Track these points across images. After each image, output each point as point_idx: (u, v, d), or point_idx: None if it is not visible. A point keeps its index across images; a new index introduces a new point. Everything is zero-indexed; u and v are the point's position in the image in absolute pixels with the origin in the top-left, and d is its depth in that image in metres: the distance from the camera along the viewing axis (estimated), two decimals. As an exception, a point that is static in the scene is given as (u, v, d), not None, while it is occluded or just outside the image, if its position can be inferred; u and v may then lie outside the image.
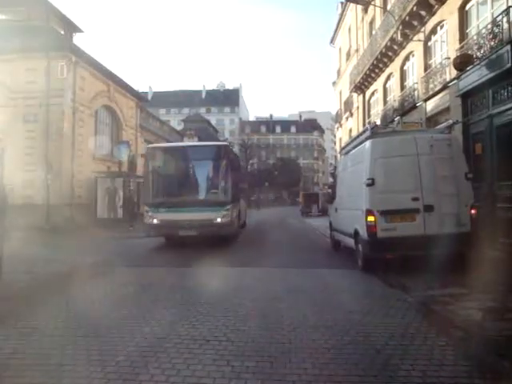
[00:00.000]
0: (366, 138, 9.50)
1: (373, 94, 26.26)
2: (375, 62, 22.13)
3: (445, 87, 14.48)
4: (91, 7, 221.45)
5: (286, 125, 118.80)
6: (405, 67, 19.76)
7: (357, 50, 29.48)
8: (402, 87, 19.94)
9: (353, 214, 10.09)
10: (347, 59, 33.47)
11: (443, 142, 8.88)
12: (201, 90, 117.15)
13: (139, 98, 29.63)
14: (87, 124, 22.09)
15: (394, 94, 21.17)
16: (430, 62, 16.65)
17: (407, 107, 18.30)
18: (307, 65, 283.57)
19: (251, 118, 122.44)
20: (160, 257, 12.67)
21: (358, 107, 29.65)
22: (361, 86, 26.98)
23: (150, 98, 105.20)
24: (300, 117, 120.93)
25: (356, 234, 9.78)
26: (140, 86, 33.05)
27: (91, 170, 22.10)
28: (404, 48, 18.87)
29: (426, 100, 16.31)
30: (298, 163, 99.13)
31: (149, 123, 35.54)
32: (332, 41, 40.65)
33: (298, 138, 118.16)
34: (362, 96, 28.10)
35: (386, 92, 23.20)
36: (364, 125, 27.56)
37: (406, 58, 19.25)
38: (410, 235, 8.58)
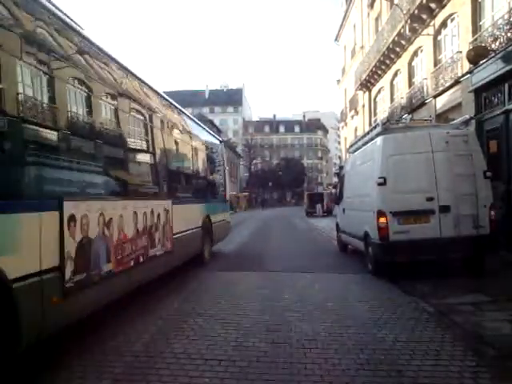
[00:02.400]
0: (377, 135, 8.93)
1: (379, 91, 25.67)
2: (382, 59, 21.55)
3: (456, 82, 13.90)
4: (92, 6, 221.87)
5: (289, 124, 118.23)
6: (413, 63, 19.17)
7: (362, 47, 28.92)
8: (410, 84, 19.35)
9: (362, 215, 9.54)
10: (352, 57, 32.91)
11: (460, 138, 8.30)
12: (204, 90, 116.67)
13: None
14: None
15: (402, 91, 20.59)
16: (439, 57, 16.06)
17: (416, 104, 17.72)
18: (311, 65, 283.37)
19: (254, 119, 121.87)
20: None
21: (363, 105, 29.07)
22: (367, 84, 26.40)
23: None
24: (304, 116, 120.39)
25: (366, 237, 9.23)
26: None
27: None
28: (412, 43, 18.29)
29: (435, 96, 15.73)
30: (302, 163, 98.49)
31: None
32: (336, 38, 40.10)
33: (301, 138, 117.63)
34: (367, 94, 27.53)
35: (392, 89, 22.61)
36: (370, 123, 27.01)
37: (415, 54, 18.66)
38: (425, 238, 8.02)
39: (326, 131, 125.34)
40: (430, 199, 8.15)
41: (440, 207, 8.10)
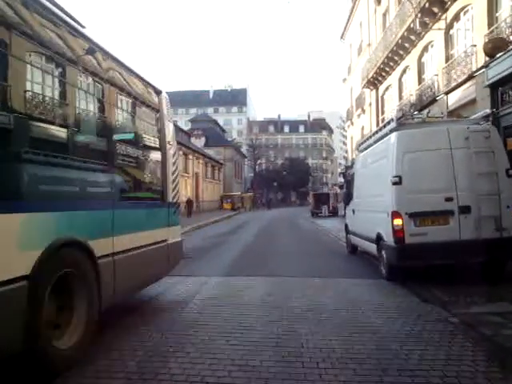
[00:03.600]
0: (391, 131, 8.37)
1: (387, 89, 25.08)
2: (390, 55, 20.97)
3: (470, 77, 13.33)
4: (96, 7, 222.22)
5: (294, 124, 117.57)
6: (423, 59, 18.59)
7: (369, 45, 28.34)
8: (420, 80, 18.78)
9: (375, 216, 8.99)
10: (358, 54, 32.32)
11: (481, 134, 7.73)
12: (208, 90, 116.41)
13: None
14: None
15: (411, 88, 20.01)
16: (451, 52, 15.50)
17: (426, 101, 17.14)
18: (315, 64, 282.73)
19: (259, 119, 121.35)
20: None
21: (370, 103, 28.49)
22: (374, 82, 25.83)
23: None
24: (308, 116, 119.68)
25: (379, 239, 8.68)
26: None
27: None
28: (422, 38, 17.71)
29: (447, 93, 15.16)
30: (307, 163, 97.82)
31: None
32: (342, 36, 39.51)
33: (306, 138, 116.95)
34: (375, 92, 26.94)
35: (401, 86, 22.04)
36: (378, 122, 26.45)
37: (425, 49, 18.08)
38: (443, 241, 7.48)
39: (330, 131, 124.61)
40: (448, 199, 7.60)
41: (460, 208, 7.55)
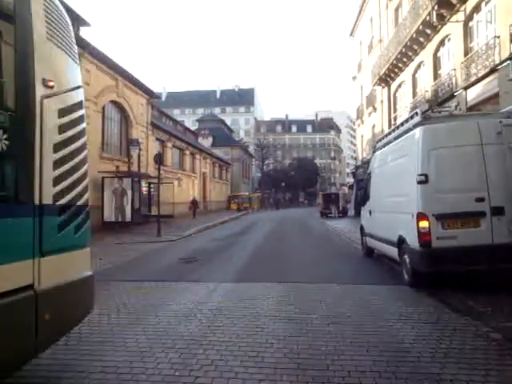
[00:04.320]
0: (415, 126, 7.74)
1: (399, 86, 24.38)
2: (404, 50, 20.28)
3: (492, 71, 12.65)
4: (103, 7, 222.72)
5: (301, 124, 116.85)
6: (439, 53, 17.89)
7: (380, 41, 27.67)
8: (436, 76, 18.08)
9: (397, 218, 8.37)
10: (369, 52, 31.65)
11: (515, 128, 7.09)
12: (215, 90, 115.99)
13: (150, 94, 28.09)
14: (93, 120, 20.61)
15: (426, 84, 19.31)
16: (471, 45, 14.81)
17: (443, 97, 16.45)
18: (323, 64, 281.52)
19: (266, 119, 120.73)
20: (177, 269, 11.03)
21: (382, 101, 27.80)
22: (386, 78, 25.12)
23: (164, 98, 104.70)
24: (316, 116, 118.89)
25: (401, 243, 8.06)
26: (154, 87, 32.10)
27: (98, 170, 20.64)
28: (438, 32, 17.02)
29: (466, 88, 14.47)
30: (315, 163, 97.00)
31: (161, 122, 34.19)
32: (351, 33, 38.83)
33: (314, 138, 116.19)
34: (386, 89, 26.25)
35: (415, 83, 21.33)
36: (390, 120, 25.79)
37: (441, 43, 17.39)
38: (474, 245, 6.85)
39: (338, 131, 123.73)
40: (479, 200, 6.96)
41: (492, 209, 6.92)
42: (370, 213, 10.96)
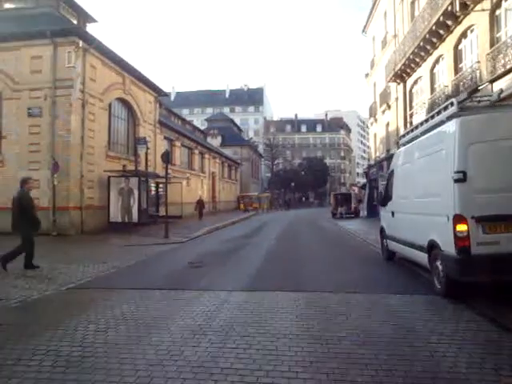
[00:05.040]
0: (449, 117, 6.90)
1: (415, 82, 23.45)
2: (421, 44, 19.36)
3: (523, 62, 11.75)
4: (112, 7, 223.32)
5: (311, 124, 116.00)
6: (460, 46, 16.97)
7: (395, 36, 26.75)
8: (456, 70, 17.17)
9: (427, 220, 7.54)
10: (383, 47, 30.73)
11: None
12: (224, 90, 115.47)
13: (158, 91, 27.41)
14: (99, 118, 19.99)
15: (445, 79, 18.40)
16: (498, 35, 13.88)
17: (465, 92, 15.49)
18: (332, 64, 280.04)
19: (275, 119, 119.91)
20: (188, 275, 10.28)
21: (396, 98, 26.87)
22: (401, 74, 24.20)
23: (172, 98, 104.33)
24: (326, 115, 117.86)
25: (432, 248, 7.24)
26: (163, 87, 31.64)
27: (104, 169, 20.01)
28: (460, 23, 16.11)
29: (492, 81, 13.56)
30: (325, 163, 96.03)
31: (170, 121, 33.53)
32: (364, 29, 37.91)
33: (324, 138, 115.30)
34: (402, 85, 25.31)
35: (433, 78, 20.40)
36: (405, 117, 24.89)
37: (463, 35, 16.46)
38: (520, 251, 6.02)
39: (348, 130, 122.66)
40: (526, 200, 6.13)
41: (541, 211, 6.09)
42: (393, 214, 10.14)
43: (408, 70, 23.23)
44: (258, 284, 8.19)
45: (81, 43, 17.99)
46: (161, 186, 23.44)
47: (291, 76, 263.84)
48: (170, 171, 27.37)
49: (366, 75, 38.46)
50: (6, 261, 9.38)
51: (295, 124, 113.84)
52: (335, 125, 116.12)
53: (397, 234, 9.83)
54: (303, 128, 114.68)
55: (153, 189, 23.72)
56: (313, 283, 8.22)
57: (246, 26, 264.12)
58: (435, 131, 7.50)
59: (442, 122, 7.26)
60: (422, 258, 7.83)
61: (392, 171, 10.66)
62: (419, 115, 22.44)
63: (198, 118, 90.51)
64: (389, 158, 29.20)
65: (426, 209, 7.61)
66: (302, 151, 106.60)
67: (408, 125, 24.43)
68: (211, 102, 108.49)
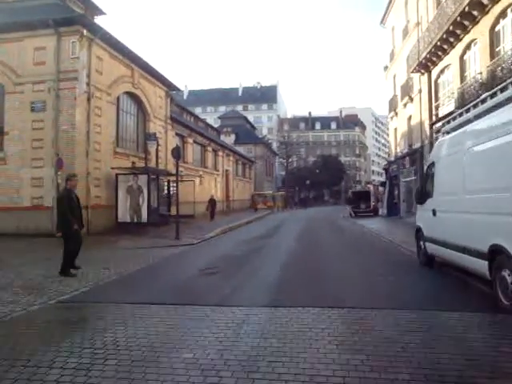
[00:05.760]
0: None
1: (442, 71, 21.92)
2: (451, 28, 17.84)
3: None
4: (125, 6, 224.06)
5: (325, 121, 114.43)
6: (497, 27, 15.45)
7: (418, 24, 25.19)
8: (492, 55, 15.66)
9: (488, 220, 6.18)
10: (404, 38, 29.17)
11: None
12: (237, 88, 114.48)
13: (169, 85, 26.22)
14: (106, 112, 18.88)
15: (478, 66, 16.90)
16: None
17: (504, 78, 14.02)
18: (346, 61, 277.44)
19: (289, 116, 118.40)
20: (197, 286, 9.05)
21: (420, 90, 25.32)
22: (426, 64, 22.67)
23: (185, 96, 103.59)
24: (341, 113, 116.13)
25: (496, 254, 5.90)
26: (175, 84, 30.69)
27: (112, 166, 18.90)
28: (498, 1, 14.62)
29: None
30: (340, 161, 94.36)
31: (182, 118, 32.37)
32: (382, 21, 36.35)
33: (338, 135, 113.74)
34: (426, 76, 23.77)
35: (463, 66, 18.88)
36: (430, 110, 23.38)
37: (502, 15, 14.94)
38: None
39: (363, 127, 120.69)
40: None
41: None
42: (434, 212, 8.76)
43: (434, 59, 21.71)
44: (282, 297, 6.90)
45: (85, 32, 16.88)
46: (173, 184, 22.29)
47: (304, 73, 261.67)
48: (181, 169, 26.32)
49: (385, 68, 36.86)
50: (63, 270, 8.83)
51: (309, 121, 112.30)
52: (350, 122, 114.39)
53: (440, 236, 8.47)
54: (317, 125, 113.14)
55: (164, 187, 22.60)
56: (347, 296, 6.91)
57: (258, 23, 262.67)
58: (499, 112, 6.10)
59: (506, 102, 5.89)
60: (480, 266, 6.49)
61: (432, 164, 9.27)
62: (446, 107, 20.96)
63: (211, 117, 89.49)
64: (412, 153, 27.72)
65: (487, 207, 6.25)
66: (316, 149, 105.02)
67: (433, 117, 22.93)
68: (224, 100, 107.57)
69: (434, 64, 22.20)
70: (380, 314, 5.73)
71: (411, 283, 8.13)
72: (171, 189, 23.01)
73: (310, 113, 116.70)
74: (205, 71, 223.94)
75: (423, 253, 9.77)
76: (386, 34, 36.70)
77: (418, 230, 10.18)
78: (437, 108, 22.84)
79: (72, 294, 7.22)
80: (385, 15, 35.36)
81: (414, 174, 26.69)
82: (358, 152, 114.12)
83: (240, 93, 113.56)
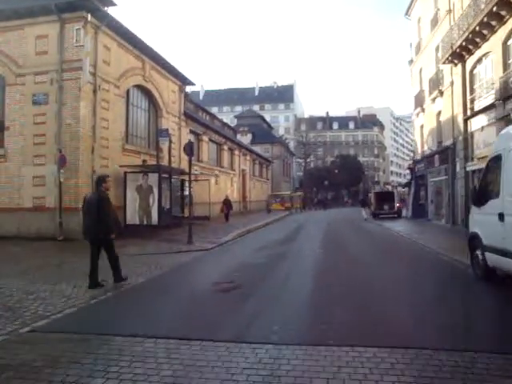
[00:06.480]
0: None
1: (479, 60, 20.01)
2: (494, 9, 16.00)
3: None
4: (139, 8, 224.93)
5: (343, 121, 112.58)
6: (551, 6, 13.66)
7: (449, 11, 23.31)
8: (545, 37, 13.86)
9: None
10: (432, 28, 27.26)
11: None
12: (254, 88, 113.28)
13: (183, 80, 24.77)
14: (114, 106, 17.50)
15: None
16: None
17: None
18: (364, 60, 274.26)
19: (306, 116, 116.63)
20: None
21: (452, 82, 23.40)
22: (461, 53, 20.76)
23: (201, 97, 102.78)
24: (359, 112, 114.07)
25: None
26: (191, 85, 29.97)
27: (120, 164, 17.52)
28: (553, -25, 12.85)
29: None
30: (359, 161, 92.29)
31: (197, 115, 30.94)
32: (407, 12, 34.45)
33: (356, 135, 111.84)
34: (460, 67, 21.84)
35: (506, 52, 17.02)
36: (464, 103, 21.47)
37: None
38: None
39: (382, 127, 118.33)
40: None
41: None
42: (501, 217, 7.08)
43: (470, 47, 19.83)
44: (317, 328, 5.29)
45: (89, 17, 15.50)
46: (188, 184, 20.84)
47: (321, 73, 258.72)
48: (196, 168, 24.90)
49: (410, 62, 34.93)
50: (120, 278, 8.33)
51: (327, 121, 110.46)
52: (368, 122, 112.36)
53: (509, 246, 6.79)
54: (335, 125, 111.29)
55: (177, 187, 21.18)
56: (406, 328, 5.29)
57: (274, 22, 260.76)
58: None
59: None
60: None
61: (497, 157, 7.58)
62: (484, 99, 19.12)
63: (227, 117, 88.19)
64: (441, 151, 25.82)
65: None
66: (333, 149, 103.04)
67: (468, 111, 21.08)
68: (240, 100, 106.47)
69: (470, 53, 20.32)
70: (452, 359, 4.09)
71: (478, 307, 6.48)
72: (185, 189, 21.58)
73: (327, 112, 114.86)
74: (221, 71, 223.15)
75: (482, 265, 8.07)
76: (411, 26, 34.80)
77: (474, 237, 8.48)
78: (472, 101, 20.95)
79: (51, 319, 5.75)
80: (410, 5, 33.46)
81: (444, 172, 24.83)
82: (376, 152, 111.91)
83: (256, 92, 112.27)
